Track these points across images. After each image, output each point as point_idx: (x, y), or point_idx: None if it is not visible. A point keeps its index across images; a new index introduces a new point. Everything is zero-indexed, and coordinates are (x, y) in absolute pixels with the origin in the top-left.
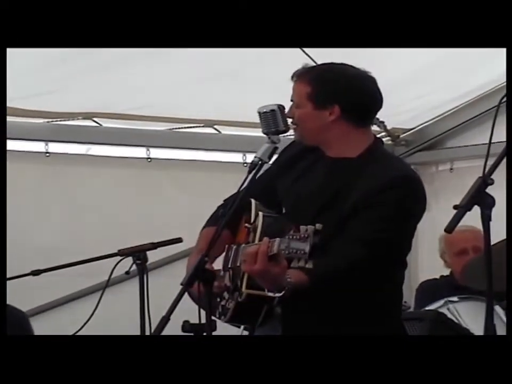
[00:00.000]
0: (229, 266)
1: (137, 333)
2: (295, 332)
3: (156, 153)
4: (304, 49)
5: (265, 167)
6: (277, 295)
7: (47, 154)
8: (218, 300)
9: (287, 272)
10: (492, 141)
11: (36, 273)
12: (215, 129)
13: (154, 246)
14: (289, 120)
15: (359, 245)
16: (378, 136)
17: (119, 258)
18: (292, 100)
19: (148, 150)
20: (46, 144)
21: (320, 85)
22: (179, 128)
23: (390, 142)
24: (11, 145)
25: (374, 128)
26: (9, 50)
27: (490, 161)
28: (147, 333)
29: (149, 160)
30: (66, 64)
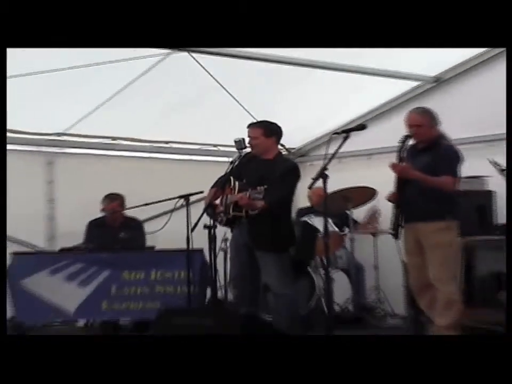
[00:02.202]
0: (222, 203)
1: (184, 237)
2: (254, 229)
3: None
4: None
5: (237, 162)
6: (253, 213)
7: (103, 158)
8: (219, 218)
9: (256, 203)
10: (329, 153)
11: (146, 204)
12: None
13: (189, 195)
14: (249, 146)
15: (278, 191)
16: (281, 150)
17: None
18: (249, 136)
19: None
20: (102, 151)
21: (267, 128)
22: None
23: (287, 153)
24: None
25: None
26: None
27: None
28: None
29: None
30: (105, 109)
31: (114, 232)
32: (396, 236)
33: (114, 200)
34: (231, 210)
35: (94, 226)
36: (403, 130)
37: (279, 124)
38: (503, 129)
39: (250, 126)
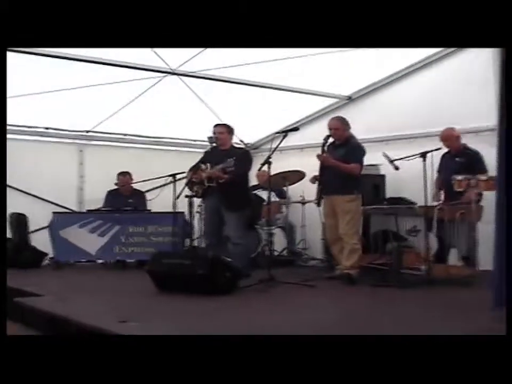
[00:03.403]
0: (198, 179)
1: (171, 204)
2: (222, 194)
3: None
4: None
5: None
6: (222, 181)
7: (117, 147)
8: (195, 189)
9: (225, 175)
10: (273, 146)
11: (146, 180)
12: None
13: (175, 174)
14: (217, 139)
15: (240, 167)
16: (240, 144)
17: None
18: (215, 132)
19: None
20: (116, 143)
21: (228, 127)
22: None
23: (244, 146)
24: (100, 142)
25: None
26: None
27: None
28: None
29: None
30: (118, 115)
31: (125, 199)
32: (318, 204)
33: (125, 176)
34: (206, 183)
35: (111, 195)
36: (325, 132)
37: (237, 126)
38: (392, 132)
39: (218, 125)
